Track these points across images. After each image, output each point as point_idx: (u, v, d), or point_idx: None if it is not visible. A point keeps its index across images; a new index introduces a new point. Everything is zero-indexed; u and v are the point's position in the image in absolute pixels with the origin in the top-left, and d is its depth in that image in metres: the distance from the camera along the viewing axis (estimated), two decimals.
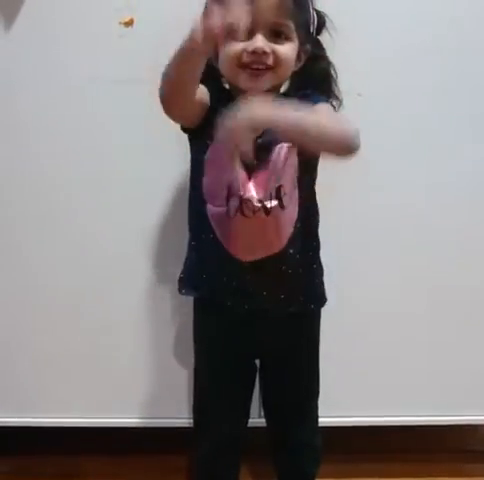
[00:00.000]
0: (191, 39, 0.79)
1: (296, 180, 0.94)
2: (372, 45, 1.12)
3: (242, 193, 0.89)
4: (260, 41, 0.87)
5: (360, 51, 1.10)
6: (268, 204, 0.90)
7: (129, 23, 1.09)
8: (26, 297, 1.21)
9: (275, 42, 0.88)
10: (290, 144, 0.90)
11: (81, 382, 1.23)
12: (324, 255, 1.02)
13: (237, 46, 0.88)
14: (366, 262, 1.20)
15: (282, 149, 0.90)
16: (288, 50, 0.90)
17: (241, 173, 0.89)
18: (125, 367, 1.23)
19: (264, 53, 0.87)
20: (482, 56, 1.15)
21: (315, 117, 0.86)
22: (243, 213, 0.90)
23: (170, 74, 0.86)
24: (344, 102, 1.02)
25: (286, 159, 0.91)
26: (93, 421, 1.24)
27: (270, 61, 0.88)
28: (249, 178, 0.90)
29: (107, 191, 1.17)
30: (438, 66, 1.14)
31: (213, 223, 0.94)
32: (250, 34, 0.87)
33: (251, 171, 0.90)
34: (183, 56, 0.82)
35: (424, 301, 1.22)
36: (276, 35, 0.89)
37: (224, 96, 0.95)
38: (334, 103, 0.99)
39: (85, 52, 1.11)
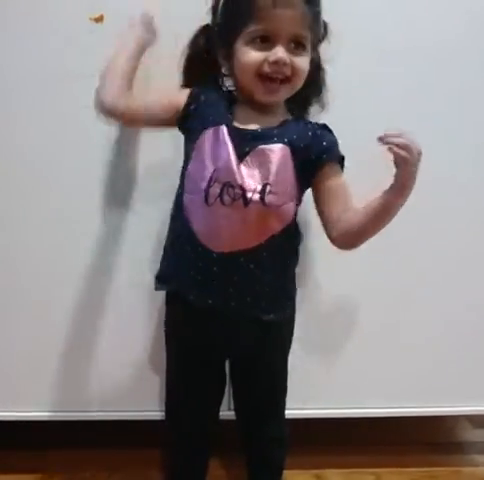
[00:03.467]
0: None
1: (293, 191, 0.96)
2: (357, 50, 1.12)
3: (231, 179, 0.92)
4: (281, 52, 0.89)
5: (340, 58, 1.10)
6: (249, 195, 0.92)
7: (99, 19, 1.08)
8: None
9: (293, 53, 0.90)
10: (286, 146, 0.94)
11: (52, 376, 1.23)
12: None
13: (257, 55, 0.90)
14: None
15: (278, 148, 0.94)
16: (304, 62, 0.92)
17: (233, 157, 0.93)
18: (99, 360, 1.23)
19: (285, 64, 0.89)
20: (473, 57, 1.16)
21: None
22: (222, 200, 0.93)
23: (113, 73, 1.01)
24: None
25: (281, 159, 0.94)
26: (64, 414, 1.24)
27: (289, 72, 0.90)
28: (238, 164, 0.93)
29: (82, 189, 1.16)
30: (426, 69, 1.15)
31: (188, 211, 0.95)
32: (271, 44, 0.89)
33: (242, 158, 0.93)
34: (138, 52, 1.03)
35: (392, 292, 1.23)
36: (295, 46, 0.91)
37: (221, 95, 0.99)
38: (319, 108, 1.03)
39: (55, 48, 1.10)
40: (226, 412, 1.14)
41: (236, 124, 0.95)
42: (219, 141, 0.94)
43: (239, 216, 0.92)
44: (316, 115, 1.04)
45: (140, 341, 1.23)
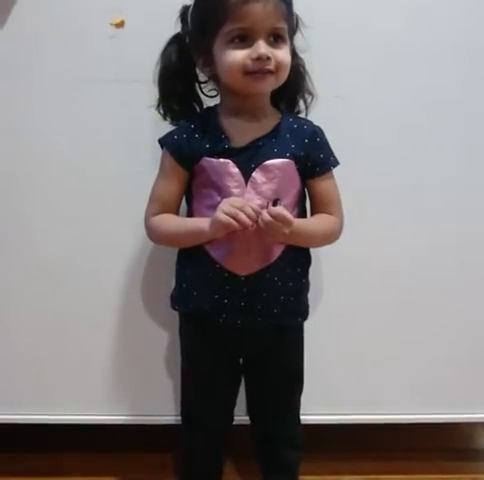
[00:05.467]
0: (216, 231, 0.90)
1: (297, 199, 0.99)
2: (350, 46, 1.13)
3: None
4: (262, 47, 0.89)
5: (338, 52, 1.12)
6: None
7: (120, 24, 1.09)
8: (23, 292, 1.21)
9: (273, 46, 0.90)
10: (291, 160, 0.95)
11: (64, 378, 1.23)
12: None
13: (240, 54, 0.90)
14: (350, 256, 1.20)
15: (284, 163, 0.96)
16: (285, 53, 0.92)
17: (240, 183, 0.94)
18: (112, 364, 1.23)
19: (268, 58, 0.89)
20: (469, 55, 1.15)
21: (318, 230, 0.99)
22: None
23: (175, 244, 1.03)
24: (322, 104, 1.06)
25: (287, 173, 0.96)
26: (78, 418, 1.24)
27: (272, 66, 0.90)
28: (246, 182, 0.94)
29: (94, 195, 1.17)
30: (422, 65, 1.15)
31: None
32: (251, 41, 0.89)
33: (248, 175, 0.94)
34: (198, 239, 0.95)
35: (408, 298, 1.23)
36: (274, 39, 0.91)
37: (204, 121, 0.98)
38: (308, 98, 1.03)
39: (77, 53, 1.11)
40: (239, 417, 1.14)
41: (233, 144, 0.95)
42: (222, 172, 0.95)
43: (257, 236, 0.92)
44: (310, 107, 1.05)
45: (153, 346, 1.23)
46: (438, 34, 1.14)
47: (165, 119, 1.02)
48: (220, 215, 0.88)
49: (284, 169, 0.95)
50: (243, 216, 0.86)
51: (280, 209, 0.88)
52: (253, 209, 0.88)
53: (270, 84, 0.93)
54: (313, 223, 1.00)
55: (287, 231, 0.89)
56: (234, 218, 0.86)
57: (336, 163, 1.01)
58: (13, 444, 1.31)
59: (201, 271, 0.99)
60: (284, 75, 0.94)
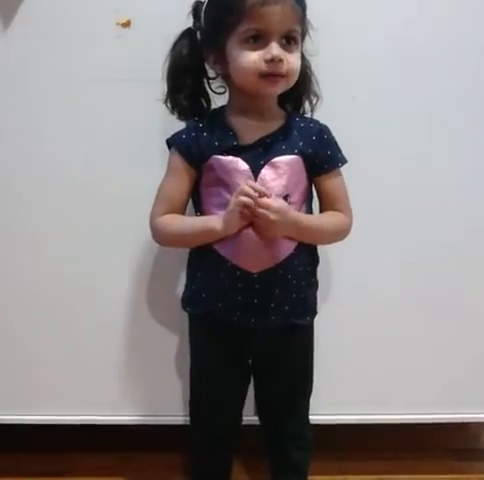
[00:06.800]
0: (231, 223, 0.91)
1: (305, 196, 0.99)
2: (366, 48, 1.13)
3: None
4: (276, 49, 0.89)
5: (354, 54, 1.12)
6: None
7: (126, 24, 1.09)
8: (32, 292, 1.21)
9: (285, 49, 0.91)
10: (299, 157, 0.96)
11: (74, 378, 1.23)
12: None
13: (253, 55, 0.90)
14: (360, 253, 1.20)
15: (292, 159, 0.96)
16: (297, 59, 0.93)
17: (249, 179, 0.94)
18: (121, 364, 1.23)
19: (280, 61, 0.90)
20: (479, 57, 1.15)
21: (326, 226, 0.99)
22: (248, 223, 0.93)
23: (183, 244, 1.02)
24: (339, 105, 1.08)
25: (296, 169, 0.96)
26: (86, 418, 1.24)
27: (284, 70, 0.91)
28: (255, 179, 0.94)
29: (105, 196, 1.17)
30: (433, 68, 1.15)
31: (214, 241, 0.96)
32: (265, 42, 0.90)
33: (257, 173, 0.94)
34: (208, 237, 0.95)
35: (406, 300, 1.23)
36: (287, 42, 0.91)
37: (212, 120, 0.99)
38: (314, 99, 1.04)
39: (83, 53, 1.11)
40: (249, 417, 1.14)
41: (242, 142, 0.96)
42: (230, 169, 0.95)
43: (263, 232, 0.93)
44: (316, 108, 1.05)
45: (162, 346, 1.23)
46: (447, 35, 1.14)
47: (172, 113, 1.02)
48: (239, 199, 0.89)
49: (293, 166, 0.96)
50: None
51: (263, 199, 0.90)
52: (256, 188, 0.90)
53: (281, 87, 0.94)
54: (320, 219, 1.00)
55: (274, 217, 0.89)
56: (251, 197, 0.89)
57: (344, 161, 1.01)
58: (22, 444, 1.31)
59: (212, 271, 0.98)
60: (294, 79, 0.95)
